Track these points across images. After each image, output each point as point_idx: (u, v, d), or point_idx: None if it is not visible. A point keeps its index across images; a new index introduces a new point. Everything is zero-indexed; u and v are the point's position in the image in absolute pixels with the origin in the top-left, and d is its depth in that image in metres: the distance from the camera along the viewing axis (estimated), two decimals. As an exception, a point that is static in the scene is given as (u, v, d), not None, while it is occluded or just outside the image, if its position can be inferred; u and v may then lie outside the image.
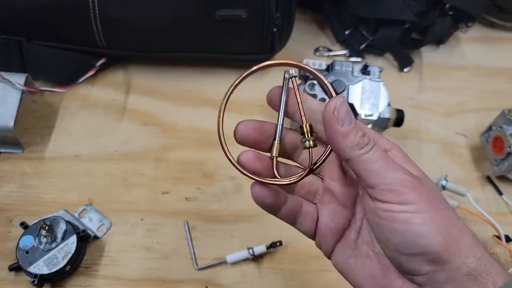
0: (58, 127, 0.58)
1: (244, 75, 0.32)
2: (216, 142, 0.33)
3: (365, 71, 0.50)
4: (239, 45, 0.61)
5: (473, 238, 0.27)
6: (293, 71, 0.31)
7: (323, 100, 0.50)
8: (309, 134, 0.29)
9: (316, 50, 0.69)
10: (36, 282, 0.44)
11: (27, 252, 0.45)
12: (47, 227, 0.45)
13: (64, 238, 0.46)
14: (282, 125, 0.30)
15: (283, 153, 0.31)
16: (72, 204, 0.52)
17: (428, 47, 0.70)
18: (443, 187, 0.51)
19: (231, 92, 0.32)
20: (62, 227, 0.46)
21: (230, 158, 0.29)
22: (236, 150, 0.30)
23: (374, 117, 0.49)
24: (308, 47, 0.69)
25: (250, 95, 0.63)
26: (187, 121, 0.60)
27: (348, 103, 0.49)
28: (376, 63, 0.68)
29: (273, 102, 0.32)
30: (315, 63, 0.51)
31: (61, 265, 0.44)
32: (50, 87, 0.59)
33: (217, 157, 0.56)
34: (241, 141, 0.30)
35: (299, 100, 0.30)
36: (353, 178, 0.31)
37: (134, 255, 0.49)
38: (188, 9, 0.55)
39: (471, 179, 0.57)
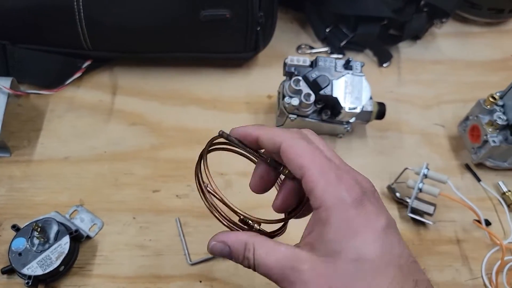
0: (45, 130, 0.58)
1: (203, 157, 0.34)
2: (204, 140, 0.35)
3: (347, 66, 0.52)
4: (224, 44, 0.62)
5: None
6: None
7: (308, 95, 0.51)
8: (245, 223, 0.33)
9: (298, 47, 0.71)
10: (30, 284, 0.44)
11: (19, 254, 0.45)
12: (39, 229, 0.46)
13: (57, 238, 0.46)
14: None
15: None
16: (63, 206, 0.52)
17: (405, 42, 0.73)
18: (425, 176, 0.53)
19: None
20: (54, 228, 0.47)
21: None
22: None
23: (358, 110, 0.51)
24: (291, 45, 0.71)
25: (235, 93, 0.65)
26: (175, 120, 0.60)
27: (333, 97, 0.51)
28: (356, 59, 0.69)
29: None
30: (299, 60, 0.52)
31: (55, 266, 0.45)
32: (36, 90, 0.58)
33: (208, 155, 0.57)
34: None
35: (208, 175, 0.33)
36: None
37: (127, 253, 0.50)
38: (172, 9, 0.55)
39: (450, 168, 0.60)
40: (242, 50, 0.63)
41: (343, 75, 0.52)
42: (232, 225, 0.32)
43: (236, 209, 0.32)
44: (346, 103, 0.51)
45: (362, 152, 0.60)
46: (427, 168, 0.54)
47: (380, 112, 0.57)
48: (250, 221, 0.33)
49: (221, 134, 0.33)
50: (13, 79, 0.55)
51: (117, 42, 0.59)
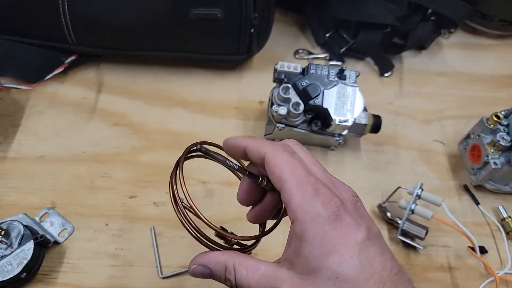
0: (23, 126, 0.55)
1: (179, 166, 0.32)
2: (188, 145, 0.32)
3: (341, 75, 0.49)
4: (215, 45, 0.59)
5: None
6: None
7: (297, 104, 0.48)
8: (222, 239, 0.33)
9: (296, 52, 0.68)
10: (-12, 290, 0.42)
11: (-20, 258, 0.43)
12: (3, 232, 0.43)
13: (20, 243, 0.44)
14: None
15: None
16: (34, 208, 0.49)
17: (409, 52, 0.69)
18: (419, 196, 0.50)
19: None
20: (19, 232, 0.44)
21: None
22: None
23: (349, 123, 0.48)
24: (288, 49, 0.68)
25: (226, 97, 0.62)
26: (159, 123, 0.58)
27: (323, 108, 0.48)
28: (356, 67, 0.67)
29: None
30: (290, 66, 0.49)
31: (15, 273, 0.42)
32: (17, 84, 0.56)
33: (189, 161, 0.54)
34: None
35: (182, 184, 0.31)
36: None
37: (96, 262, 0.47)
38: (161, 6, 0.53)
39: (448, 188, 0.56)
40: (235, 52, 0.60)
41: (335, 85, 0.48)
42: (206, 241, 0.31)
43: (211, 224, 0.31)
44: (337, 115, 0.48)
45: (355, 166, 0.57)
46: (421, 188, 0.50)
47: (375, 125, 0.53)
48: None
49: (198, 148, 0.32)
50: (-8, 72, 0.53)
51: (102, 38, 0.56)
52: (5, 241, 0.43)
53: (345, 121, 0.48)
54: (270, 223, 0.35)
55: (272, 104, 0.50)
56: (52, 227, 0.48)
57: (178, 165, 0.32)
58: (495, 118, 0.52)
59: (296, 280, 0.27)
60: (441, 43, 0.71)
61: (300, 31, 0.70)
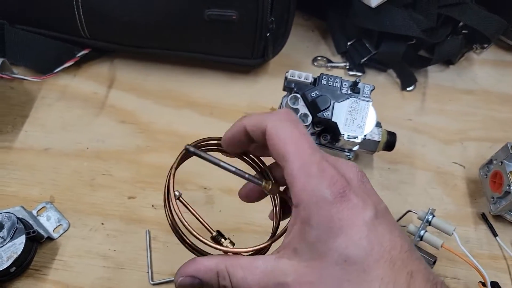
0: (31, 117, 0.55)
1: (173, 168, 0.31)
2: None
3: (354, 88, 0.46)
4: (229, 48, 0.57)
5: None
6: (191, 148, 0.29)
7: (305, 116, 0.46)
8: None
9: (315, 59, 0.65)
10: (-24, 282, 0.41)
11: (-28, 248, 0.43)
12: (-3, 224, 0.43)
13: (13, 237, 0.43)
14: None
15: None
16: (33, 200, 0.49)
17: (436, 66, 0.65)
18: (429, 223, 0.46)
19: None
20: (12, 224, 0.44)
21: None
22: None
23: (358, 140, 0.45)
24: (307, 56, 0.65)
25: (237, 101, 0.60)
26: (166, 123, 0.57)
27: (332, 122, 0.46)
28: (377, 78, 0.64)
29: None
30: (301, 75, 0.46)
31: (4, 266, 0.42)
32: (29, 74, 0.56)
33: (192, 165, 0.52)
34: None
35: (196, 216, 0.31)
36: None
37: (87, 262, 0.46)
38: (174, 5, 0.51)
39: (464, 215, 0.52)
40: (249, 56, 0.58)
41: (347, 98, 0.46)
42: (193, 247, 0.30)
43: (207, 226, 0.30)
44: (346, 130, 0.45)
45: (365, 184, 0.54)
46: (432, 214, 0.47)
47: (389, 143, 0.50)
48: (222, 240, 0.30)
49: (187, 149, 0.29)
50: (4, 61, 0.53)
51: (115, 34, 0.56)
52: (-2, 233, 0.43)
53: (354, 138, 0.45)
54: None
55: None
56: (48, 222, 0.48)
57: (170, 176, 0.30)
58: (521, 145, 0.48)
59: (301, 269, 0.25)
60: (472, 58, 0.67)
61: (321, 38, 0.68)
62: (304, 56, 0.65)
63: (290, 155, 0.26)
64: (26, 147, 0.53)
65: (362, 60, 0.63)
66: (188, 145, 0.29)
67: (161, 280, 0.45)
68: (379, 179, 0.54)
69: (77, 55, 0.57)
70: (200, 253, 0.30)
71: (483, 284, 0.45)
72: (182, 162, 0.31)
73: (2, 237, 0.43)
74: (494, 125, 0.60)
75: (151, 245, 0.47)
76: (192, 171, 0.52)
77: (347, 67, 0.64)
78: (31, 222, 0.46)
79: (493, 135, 0.59)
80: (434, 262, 0.46)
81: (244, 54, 0.58)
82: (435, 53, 0.61)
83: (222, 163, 0.28)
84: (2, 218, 0.44)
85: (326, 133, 0.48)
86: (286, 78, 0.47)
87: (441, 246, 0.45)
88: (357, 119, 0.45)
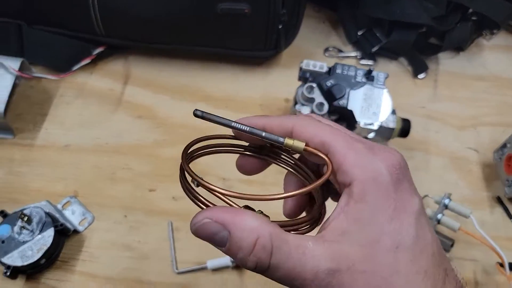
0: (51, 115, 0.57)
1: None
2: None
3: (368, 76, 0.47)
4: (242, 41, 0.58)
5: None
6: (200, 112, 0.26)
7: (321, 105, 0.47)
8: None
9: (326, 50, 0.66)
10: (8, 274, 0.43)
11: (2, 241, 0.44)
12: (25, 218, 0.44)
13: (41, 230, 0.45)
14: None
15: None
16: (57, 195, 0.50)
17: (446, 53, 0.66)
18: (446, 207, 0.47)
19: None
20: (41, 218, 0.45)
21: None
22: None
23: (374, 127, 0.46)
24: (318, 46, 0.66)
25: (251, 93, 0.61)
26: (183, 117, 0.58)
27: (348, 110, 0.46)
28: (389, 67, 0.65)
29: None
30: (316, 65, 0.47)
31: (35, 258, 0.43)
32: (48, 73, 0.57)
33: (209, 157, 0.54)
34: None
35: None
36: None
37: (113, 253, 0.47)
38: (186, 0, 0.52)
39: (479, 199, 0.53)
40: (262, 48, 0.59)
41: (362, 86, 0.47)
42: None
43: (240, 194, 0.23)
44: (362, 118, 0.46)
45: (380, 171, 0.55)
46: (449, 198, 0.48)
47: (404, 130, 0.51)
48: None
49: (196, 113, 0.26)
50: (24, 61, 0.54)
51: (130, 30, 0.57)
52: (28, 227, 0.44)
53: (370, 124, 0.46)
54: None
55: (296, 103, 0.48)
56: (73, 216, 0.49)
57: (182, 169, 0.27)
58: (535, 128, 0.49)
59: (353, 256, 0.22)
60: (482, 44, 0.67)
61: (332, 29, 0.68)
62: (315, 47, 0.66)
63: (330, 139, 0.24)
64: (47, 144, 0.55)
65: (373, 49, 0.63)
66: (196, 109, 0.26)
67: (185, 269, 0.47)
68: (394, 166, 0.55)
69: (94, 53, 0.58)
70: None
71: (501, 265, 0.46)
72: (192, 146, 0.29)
73: (31, 231, 0.44)
74: (506, 110, 0.60)
75: (174, 235, 0.49)
76: (210, 162, 0.53)
77: (358, 56, 0.65)
78: (57, 216, 0.47)
79: (506, 119, 0.59)
80: (452, 245, 0.47)
81: (257, 47, 0.58)
82: (445, 40, 0.62)
83: (234, 123, 0.25)
84: (31, 212, 0.45)
85: (342, 121, 0.49)
86: (301, 68, 0.48)
87: (459, 229, 0.46)
88: (372, 106, 0.46)
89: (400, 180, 0.23)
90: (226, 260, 0.46)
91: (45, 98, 0.58)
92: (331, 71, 0.48)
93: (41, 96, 0.58)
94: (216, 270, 0.47)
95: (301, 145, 0.25)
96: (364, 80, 0.47)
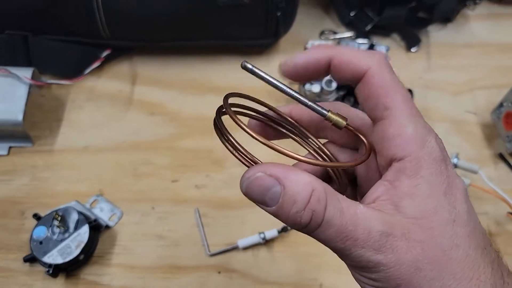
0: (66, 120, 0.58)
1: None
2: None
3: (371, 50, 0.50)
4: (243, 31, 0.60)
5: None
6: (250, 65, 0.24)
7: (329, 82, 0.49)
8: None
9: (322, 33, 0.68)
10: (51, 272, 0.44)
11: (40, 242, 0.45)
12: (59, 218, 0.46)
13: (76, 228, 0.46)
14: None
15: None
16: (83, 195, 0.52)
17: (435, 25, 0.69)
18: (455, 165, 0.50)
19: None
20: (74, 217, 0.47)
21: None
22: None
23: (382, 97, 0.49)
24: (313, 30, 0.69)
25: (257, 82, 0.62)
26: (194, 109, 0.60)
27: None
28: (383, 44, 0.67)
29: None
30: (321, 44, 0.50)
31: (74, 254, 0.45)
32: (57, 80, 0.59)
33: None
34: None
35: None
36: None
37: (145, 243, 0.49)
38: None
39: (483, 157, 0.56)
40: (262, 36, 0.61)
41: (366, 60, 0.49)
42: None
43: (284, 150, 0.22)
44: (370, 90, 0.49)
45: (388, 141, 0.57)
46: (457, 157, 0.51)
47: (407, 99, 0.54)
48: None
49: (246, 66, 0.24)
50: (35, 70, 0.55)
51: (135, 30, 0.58)
52: (63, 226, 0.46)
53: (378, 95, 0.49)
54: None
55: (304, 83, 0.51)
56: (102, 213, 0.51)
57: (216, 121, 0.25)
58: (528, 84, 0.52)
59: (408, 225, 0.22)
60: (467, 15, 0.71)
61: (325, 12, 0.71)
62: (311, 31, 0.69)
63: (397, 105, 0.23)
64: (66, 148, 0.56)
65: (367, 28, 0.66)
66: (245, 61, 0.24)
67: (217, 251, 0.49)
68: (400, 135, 0.58)
69: (101, 56, 0.59)
70: None
71: (511, 213, 0.49)
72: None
73: (67, 229, 0.46)
74: (497, 73, 0.64)
75: (202, 221, 0.51)
76: (227, 150, 0.55)
77: (353, 37, 0.67)
78: (88, 213, 0.49)
79: (499, 81, 0.62)
80: (464, 201, 0.50)
81: (258, 35, 0.61)
82: (434, 13, 0.65)
83: (280, 85, 0.24)
84: (64, 212, 0.47)
85: (350, 96, 0.51)
86: (305, 49, 0.51)
87: (469, 185, 0.49)
88: (378, 78, 0.49)
89: (446, 157, 0.23)
90: (256, 237, 0.48)
91: (57, 105, 0.59)
92: (335, 49, 0.50)
93: (53, 104, 0.59)
94: (247, 248, 0.49)
95: (342, 123, 0.24)
96: (367, 54, 0.50)
